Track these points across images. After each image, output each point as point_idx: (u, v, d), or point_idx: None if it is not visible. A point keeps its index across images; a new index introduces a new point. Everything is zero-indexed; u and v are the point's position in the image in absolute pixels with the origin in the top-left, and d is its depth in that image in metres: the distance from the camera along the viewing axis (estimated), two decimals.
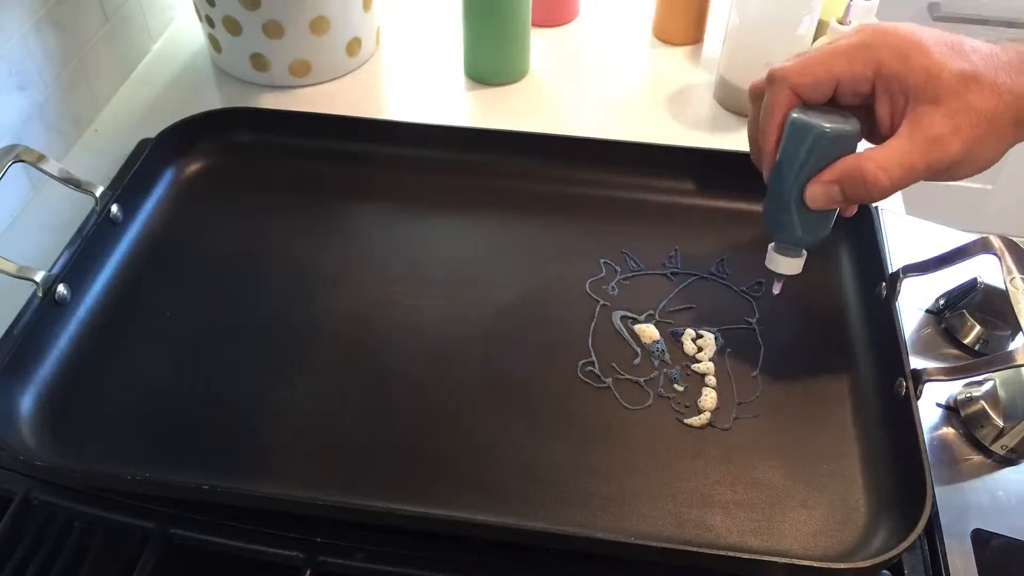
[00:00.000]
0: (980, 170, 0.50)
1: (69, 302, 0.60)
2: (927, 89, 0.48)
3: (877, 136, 0.52)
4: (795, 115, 0.51)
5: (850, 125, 0.51)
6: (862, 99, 0.51)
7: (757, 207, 0.70)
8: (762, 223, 0.57)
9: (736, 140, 0.80)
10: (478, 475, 0.54)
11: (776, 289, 0.60)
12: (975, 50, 0.49)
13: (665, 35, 0.92)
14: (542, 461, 0.54)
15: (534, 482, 0.53)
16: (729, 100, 0.83)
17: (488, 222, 0.70)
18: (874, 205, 0.66)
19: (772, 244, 0.57)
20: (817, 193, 0.52)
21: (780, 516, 0.52)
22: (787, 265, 0.57)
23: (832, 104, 0.52)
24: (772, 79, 0.52)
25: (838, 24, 0.73)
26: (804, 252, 0.57)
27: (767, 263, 0.58)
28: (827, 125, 0.50)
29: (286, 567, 0.50)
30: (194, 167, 0.74)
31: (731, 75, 0.81)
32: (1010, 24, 1.27)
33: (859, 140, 0.52)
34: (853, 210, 0.58)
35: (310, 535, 0.51)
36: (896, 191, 0.50)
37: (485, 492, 0.53)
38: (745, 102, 0.81)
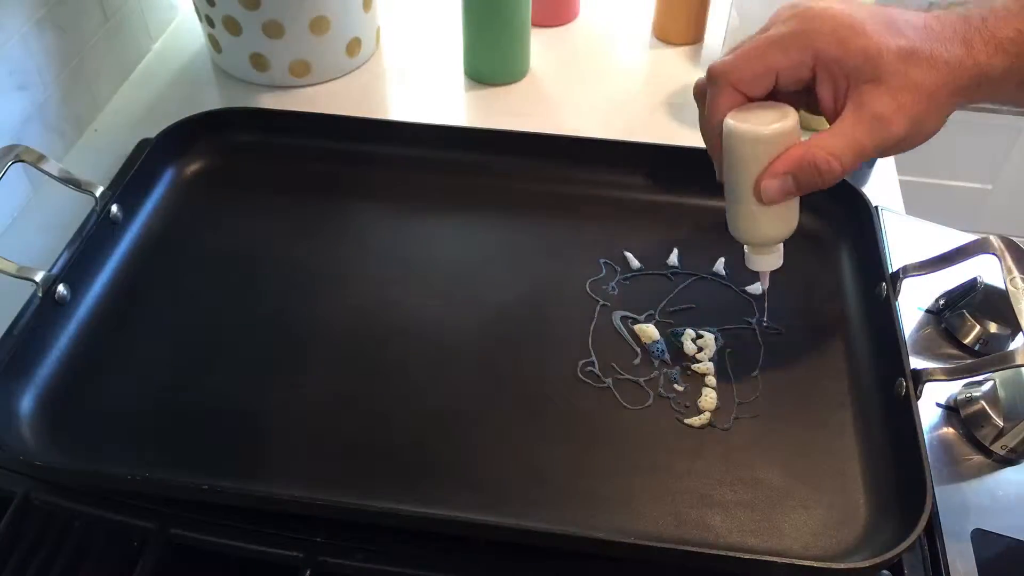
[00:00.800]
0: (924, 141, 0.50)
1: (69, 302, 0.60)
2: (867, 70, 0.48)
3: (823, 114, 0.52)
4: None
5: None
6: (803, 84, 0.51)
7: None
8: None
9: None
10: (478, 475, 0.54)
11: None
12: (909, 24, 0.49)
13: (665, 35, 0.92)
14: (542, 461, 0.54)
15: (534, 482, 0.53)
16: None
17: (488, 222, 0.70)
18: (875, 205, 0.66)
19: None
20: (772, 187, 0.51)
21: (780, 516, 0.52)
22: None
23: (773, 94, 0.51)
24: (711, 78, 0.52)
25: None
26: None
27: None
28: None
29: (286, 567, 0.50)
30: (194, 167, 0.74)
31: None
32: None
33: (799, 133, 0.51)
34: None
35: (310, 535, 0.51)
36: (845, 174, 0.50)
37: (485, 492, 0.53)
38: None
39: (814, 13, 0.50)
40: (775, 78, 0.50)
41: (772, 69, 0.50)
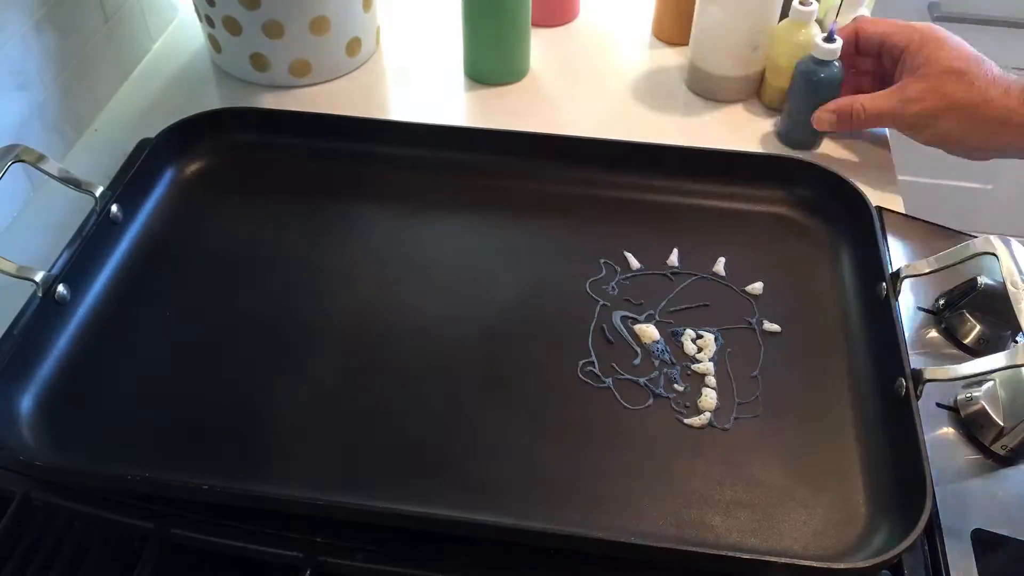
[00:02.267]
0: (951, 144, 0.72)
1: (69, 302, 0.60)
2: (920, 70, 0.70)
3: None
4: (801, 63, 0.74)
5: (837, 74, 0.73)
6: (891, 62, 0.73)
7: (757, 207, 0.70)
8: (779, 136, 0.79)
9: (736, 140, 0.80)
10: (478, 475, 0.54)
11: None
12: (984, 65, 0.68)
13: (665, 35, 0.92)
14: (542, 461, 0.54)
15: (534, 482, 0.53)
16: (697, 85, 0.85)
17: (488, 222, 0.70)
18: (875, 205, 0.66)
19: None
20: (823, 118, 0.74)
21: (780, 516, 0.52)
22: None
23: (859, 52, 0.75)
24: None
25: (822, 43, 0.72)
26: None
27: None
28: (822, 73, 0.73)
29: (286, 567, 0.50)
30: (194, 167, 0.74)
31: (699, 60, 0.83)
32: (1014, 24, 1.26)
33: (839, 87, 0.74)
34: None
35: (310, 535, 0.51)
36: (868, 126, 0.75)
37: (485, 492, 0.53)
38: (713, 88, 0.84)
39: (932, 30, 0.71)
40: (881, 43, 0.73)
41: (883, 37, 0.73)
